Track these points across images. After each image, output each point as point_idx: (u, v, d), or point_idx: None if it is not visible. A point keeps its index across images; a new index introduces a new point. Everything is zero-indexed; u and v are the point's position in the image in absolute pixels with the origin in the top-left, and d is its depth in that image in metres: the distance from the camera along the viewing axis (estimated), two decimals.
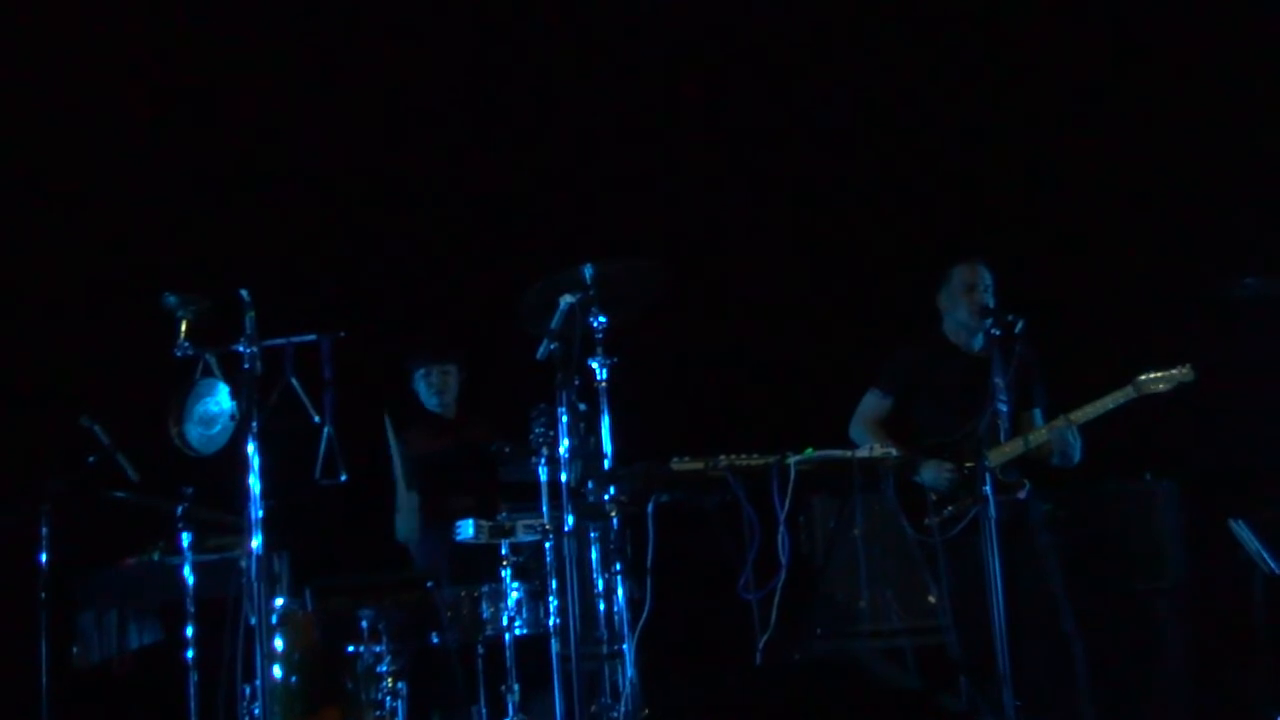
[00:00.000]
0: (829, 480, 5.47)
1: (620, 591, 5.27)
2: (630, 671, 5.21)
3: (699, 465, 5.28)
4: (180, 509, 5.69)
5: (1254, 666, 6.17)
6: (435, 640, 5.70)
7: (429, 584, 5.76)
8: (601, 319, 5.21)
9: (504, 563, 5.67)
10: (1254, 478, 6.51)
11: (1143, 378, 5.87)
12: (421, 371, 7.03)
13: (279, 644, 5.48)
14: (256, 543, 4.82)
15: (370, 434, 6.61)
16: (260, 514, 4.84)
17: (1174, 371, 5.87)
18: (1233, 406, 6.70)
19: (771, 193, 7.90)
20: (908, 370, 6.22)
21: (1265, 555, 5.96)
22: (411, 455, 6.79)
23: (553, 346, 5.16)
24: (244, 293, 4.91)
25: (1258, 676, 6.13)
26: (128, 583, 6.58)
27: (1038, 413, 6.09)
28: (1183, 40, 7.34)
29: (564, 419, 5.11)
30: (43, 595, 6.14)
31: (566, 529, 5.04)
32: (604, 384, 5.25)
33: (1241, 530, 6.03)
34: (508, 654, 5.62)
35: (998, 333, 5.65)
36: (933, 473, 5.87)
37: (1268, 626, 6.09)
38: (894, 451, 5.61)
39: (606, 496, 5.22)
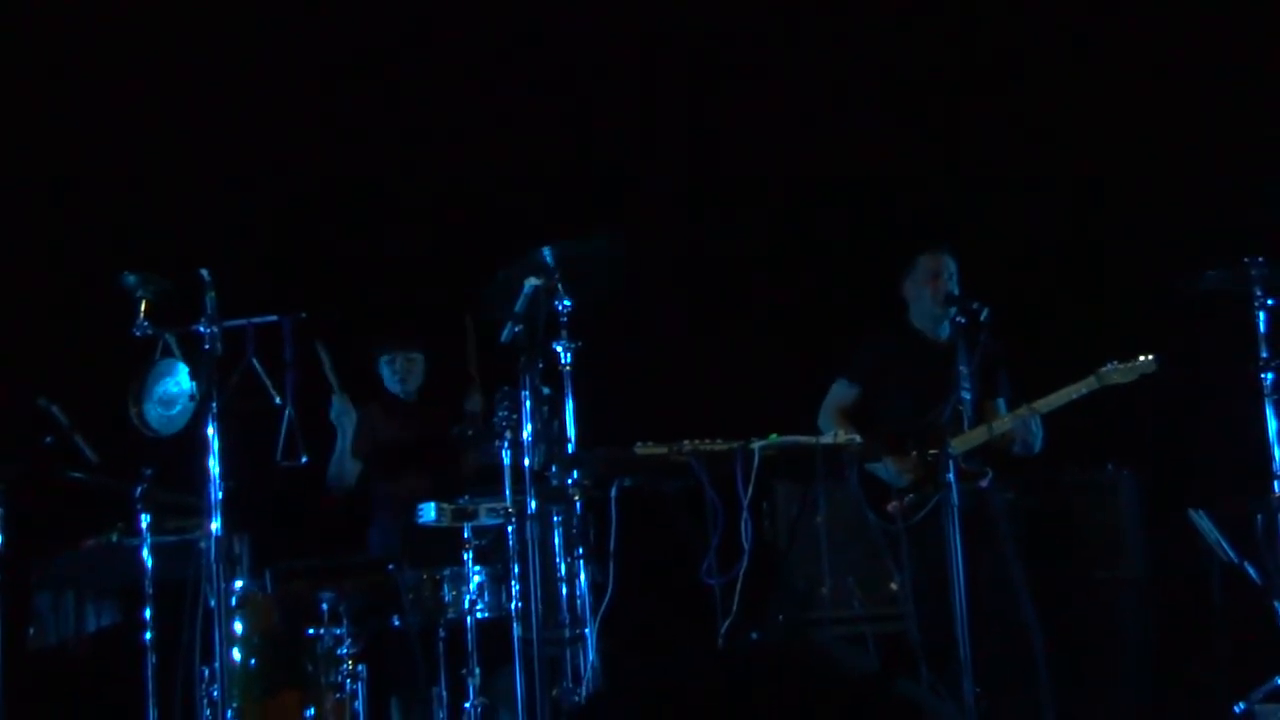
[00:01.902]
0: (792, 466, 5.46)
1: (582, 576, 5.25)
2: (592, 656, 5.21)
3: (662, 450, 5.26)
4: (139, 490, 5.63)
5: (1213, 655, 6.20)
6: (396, 623, 5.68)
7: (390, 567, 5.73)
8: (566, 302, 5.19)
9: (466, 546, 5.64)
10: (1214, 468, 6.54)
11: (1105, 368, 5.90)
12: (387, 358, 6.98)
13: (238, 627, 5.46)
14: (216, 525, 4.79)
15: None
16: (220, 496, 4.81)
17: (1136, 362, 5.90)
18: (1193, 398, 6.73)
19: (737, 180, 7.89)
20: (874, 359, 6.24)
21: (1224, 545, 5.99)
22: (369, 434, 6.78)
23: (516, 330, 5.14)
24: (204, 272, 4.88)
25: (1216, 665, 6.16)
26: (85, 564, 6.51)
27: (1001, 401, 6.11)
28: (1144, 32, 7.35)
29: (527, 403, 5.10)
30: None
31: (529, 513, 5.03)
32: (568, 368, 5.23)
33: (1201, 520, 6.06)
34: (469, 637, 5.59)
35: (963, 320, 5.66)
36: (891, 469, 5.89)
37: (1226, 616, 6.13)
38: (857, 438, 5.62)
39: (569, 481, 5.21)
